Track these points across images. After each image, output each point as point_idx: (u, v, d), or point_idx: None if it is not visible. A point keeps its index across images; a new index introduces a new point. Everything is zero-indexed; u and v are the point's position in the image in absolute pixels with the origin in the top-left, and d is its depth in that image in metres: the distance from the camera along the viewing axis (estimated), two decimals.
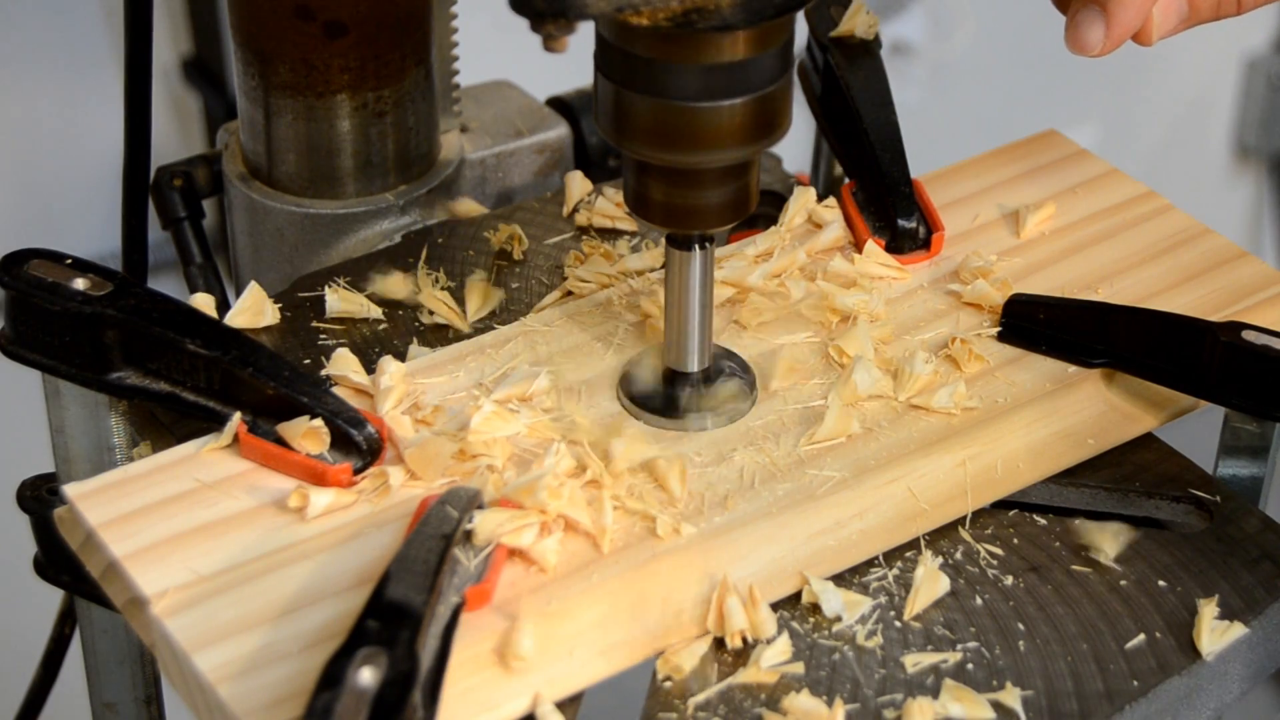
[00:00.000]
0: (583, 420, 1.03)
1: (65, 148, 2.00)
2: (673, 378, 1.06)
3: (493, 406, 1.02)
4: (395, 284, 1.16)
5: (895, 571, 1.00)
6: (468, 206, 1.27)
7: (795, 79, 1.02)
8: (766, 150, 1.21)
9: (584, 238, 1.22)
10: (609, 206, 1.24)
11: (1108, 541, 1.02)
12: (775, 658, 0.95)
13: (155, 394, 1.03)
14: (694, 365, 1.06)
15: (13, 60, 1.95)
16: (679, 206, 1.00)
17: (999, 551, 1.02)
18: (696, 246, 1.02)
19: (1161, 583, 1.00)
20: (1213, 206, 3.00)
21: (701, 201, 1.00)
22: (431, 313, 1.15)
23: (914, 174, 1.19)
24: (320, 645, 0.89)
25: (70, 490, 0.98)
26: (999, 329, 1.11)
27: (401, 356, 1.10)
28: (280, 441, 0.99)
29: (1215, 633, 0.97)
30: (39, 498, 1.17)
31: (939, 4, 2.53)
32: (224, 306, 1.14)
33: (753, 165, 1.00)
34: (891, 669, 0.95)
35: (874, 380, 1.06)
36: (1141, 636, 0.97)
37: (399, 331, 1.14)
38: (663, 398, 1.05)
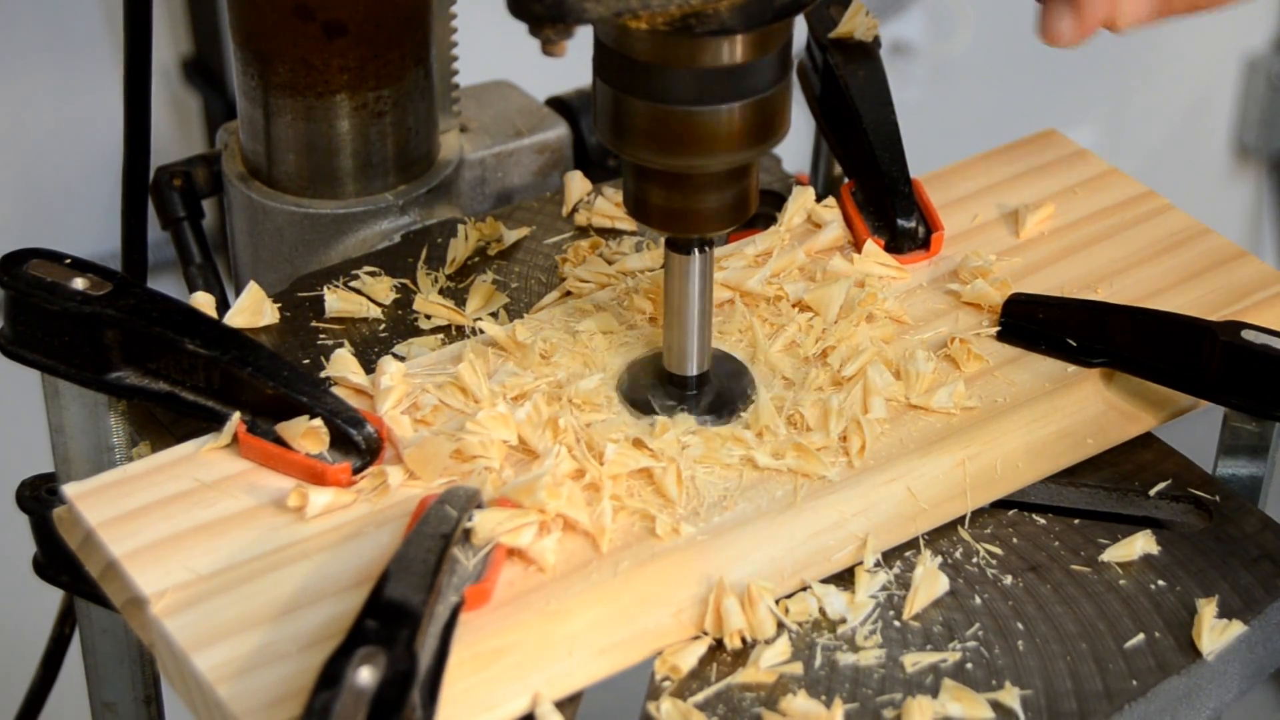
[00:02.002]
0: (581, 421, 1.03)
1: (65, 148, 2.00)
2: (671, 381, 1.06)
3: (491, 407, 1.02)
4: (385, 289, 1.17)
5: (895, 571, 1.01)
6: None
7: (795, 80, 1.02)
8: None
9: (577, 239, 1.22)
10: (609, 206, 1.24)
11: (1127, 552, 1.02)
12: (774, 658, 0.95)
13: (154, 394, 1.03)
14: (693, 369, 1.05)
15: (12, 60, 1.95)
16: (678, 210, 1.00)
17: (998, 551, 1.02)
18: (696, 250, 1.02)
19: (1161, 582, 1.00)
20: (1213, 206, 3.00)
21: (700, 205, 1.00)
22: (429, 316, 1.15)
23: (914, 174, 1.19)
24: (319, 645, 0.89)
25: (69, 490, 0.98)
26: (998, 329, 1.11)
27: (401, 356, 1.10)
28: (279, 441, 0.99)
29: (1215, 632, 0.97)
30: (38, 498, 1.17)
31: (939, 4, 2.53)
32: (224, 306, 1.14)
33: (752, 169, 1.00)
34: (890, 669, 0.95)
35: (886, 384, 1.06)
36: (1141, 636, 0.97)
37: (399, 331, 1.14)
38: (662, 401, 1.05)
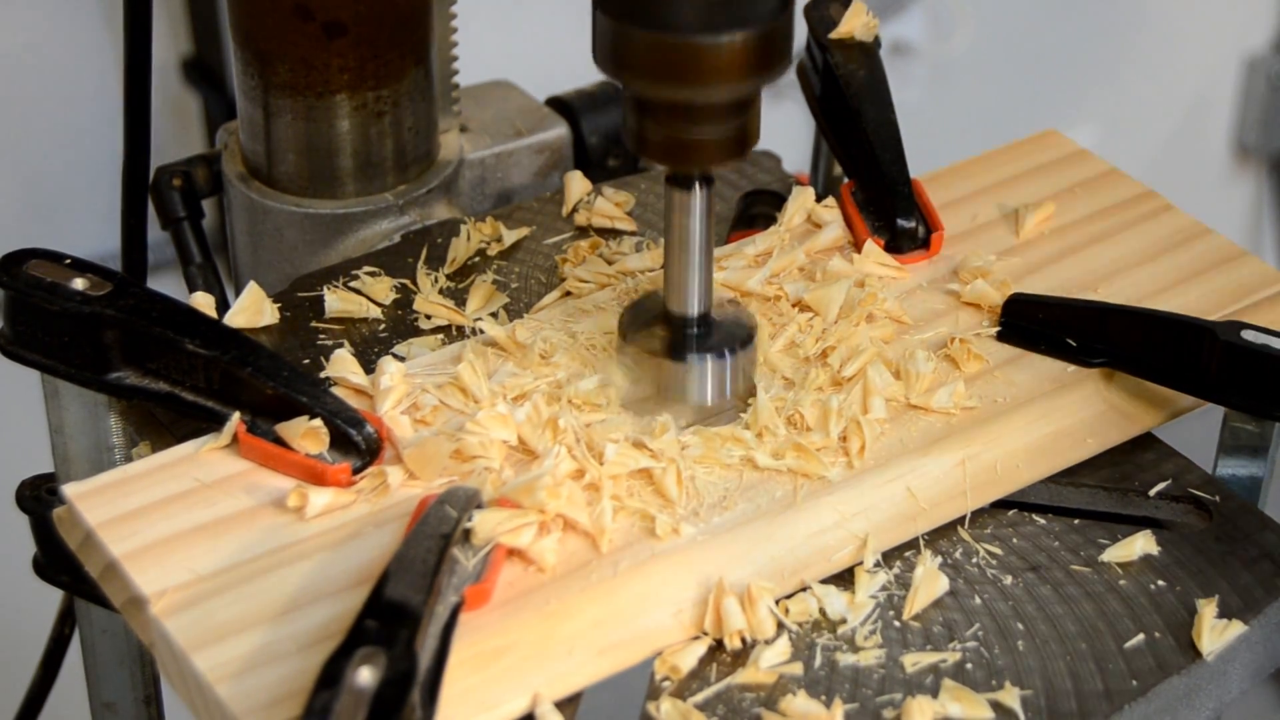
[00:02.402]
0: (581, 421, 1.03)
1: (65, 148, 2.00)
2: (673, 321, 1.04)
3: (491, 407, 1.02)
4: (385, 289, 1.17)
5: (895, 571, 1.00)
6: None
7: (794, 77, 1.01)
8: (764, 150, 1.21)
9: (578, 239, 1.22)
10: (608, 206, 1.24)
11: (1127, 552, 1.02)
12: (774, 658, 0.95)
13: (154, 394, 1.03)
14: (694, 308, 1.04)
15: (12, 60, 1.95)
16: (679, 142, 0.98)
17: (998, 551, 1.02)
18: (697, 186, 1.00)
19: (1160, 582, 1.00)
20: (1213, 206, 3.00)
21: (701, 137, 0.97)
22: (429, 316, 1.15)
23: (914, 174, 1.19)
24: (319, 645, 0.89)
25: (69, 490, 0.98)
26: (998, 329, 1.11)
27: (401, 357, 1.10)
28: (279, 441, 0.99)
29: (1215, 632, 0.97)
30: (38, 498, 1.17)
31: (939, 4, 2.53)
32: (223, 306, 1.14)
33: (754, 101, 0.98)
34: (890, 669, 0.95)
35: (886, 384, 1.06)
36: (1140, 636, 0.97)
37: (399, 331, 1.14)
38: (662, 340, 1.04)
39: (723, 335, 1.05)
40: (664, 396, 1.05)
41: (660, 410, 1.04)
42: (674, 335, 1.04)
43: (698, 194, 1.01)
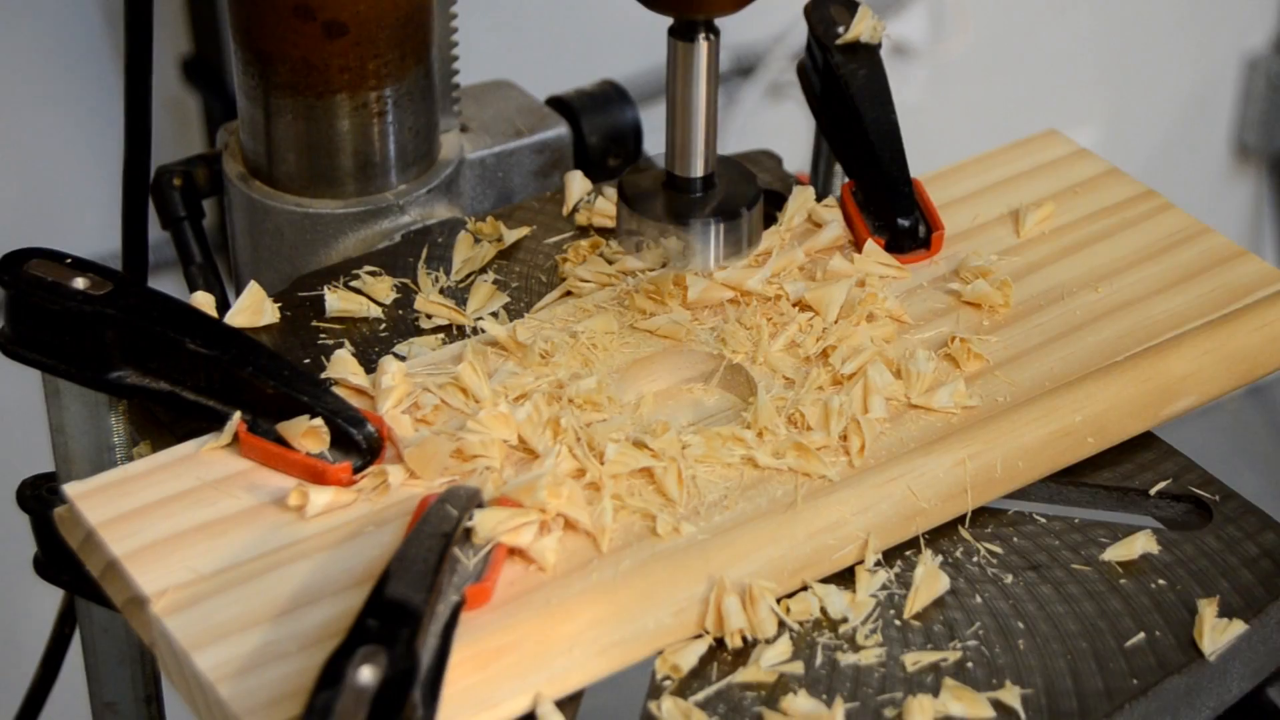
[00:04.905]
0: (581, 421, 1.03)
1: (65, 148, 2.00)
2: (676, 184, 1.02)
3: (492, 407, 1.02)
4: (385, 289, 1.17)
5: (895, 570, 1.01)
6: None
7: (795, 80, 0.98)
8: (764, 150, 1.20)
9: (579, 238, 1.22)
10: (609, 206, 1.24)
11: (1127, 551, 1.02)
12: (775, 657, 0.95)
13: (155, 393, 1.03)
14: (699, 169, 1.02)
15: (12, 60, 1.95)
16: None
17: (998, 550, 1.02)
18: (701, 37, 0.99)
19: (1161, 581, 1.00)
20: (1213, 206, 3.01)
21: None
22: (430, 315, 1.15)
23: (914, 174, 1.19)
24: (320, 644, 0.89)
25: (70, 489, 0.98)
26: None
27: (402, 356, 1.10)
28: (280, 440, 0.99)
29: (1216, 631, 0.97)
30: (39, 497, 1.17)
31: (939, 4, 2.53)
32: (224, 306, 1.14)
33: None
34: (891, 668, 0.95)
35: (886, 384, 1.06)
36: (1141, 635, 0.97)
37: (399, 331, 1.14)
38: (664, 201, 1.02)
39: (728, 199, 1.02)
40: (672, 264, 1.02)
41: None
42: (676, 197, 1.01)
43: (701, 47, 0.98)
